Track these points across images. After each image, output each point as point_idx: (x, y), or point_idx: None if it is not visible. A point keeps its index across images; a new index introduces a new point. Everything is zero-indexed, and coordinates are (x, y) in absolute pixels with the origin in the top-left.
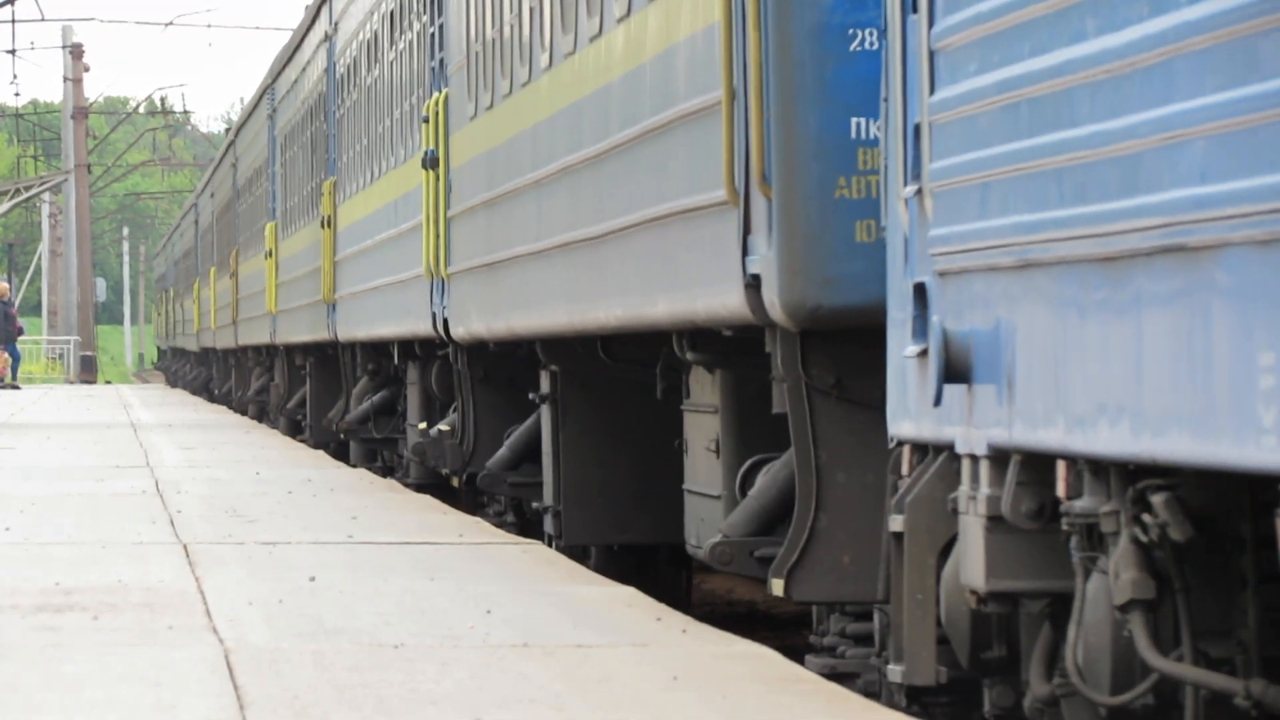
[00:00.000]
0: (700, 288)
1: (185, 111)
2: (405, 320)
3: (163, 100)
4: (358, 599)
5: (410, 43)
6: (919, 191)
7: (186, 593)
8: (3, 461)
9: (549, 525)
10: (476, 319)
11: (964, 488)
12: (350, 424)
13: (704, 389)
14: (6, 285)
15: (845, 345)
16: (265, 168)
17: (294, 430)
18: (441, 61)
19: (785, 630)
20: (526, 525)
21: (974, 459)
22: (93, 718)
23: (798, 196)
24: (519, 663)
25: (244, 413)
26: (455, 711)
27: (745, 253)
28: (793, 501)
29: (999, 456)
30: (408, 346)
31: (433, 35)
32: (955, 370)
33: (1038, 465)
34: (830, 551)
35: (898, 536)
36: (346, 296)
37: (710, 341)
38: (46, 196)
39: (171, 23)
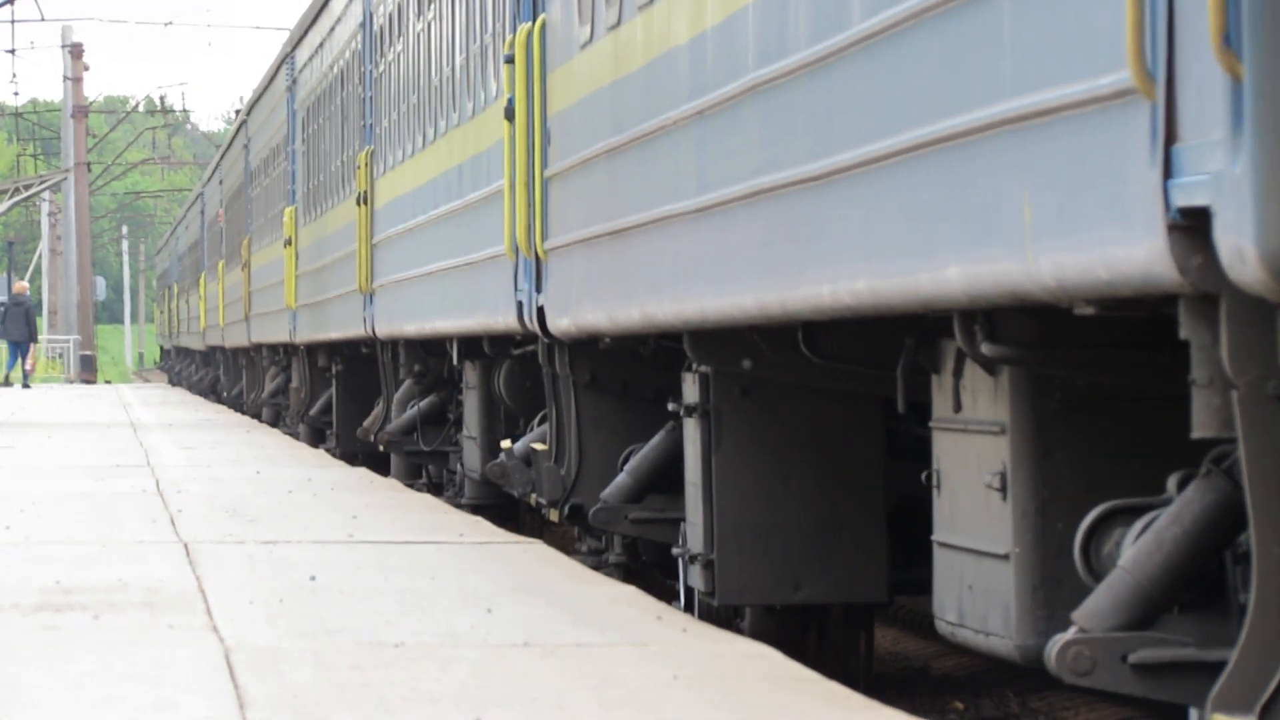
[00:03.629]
0: (1051, 238)
1: (185, 110)
2: (475, 311)
3: (162, 99)
4: (358, 598)
5: None
6: None
7: (187, 591)
8: (3, 460)
9: (695, 578)
10: (590, 306)
11: None
12: (392, 434)
13: (979, 399)
14: (26, 285)
15: None
16: (284, 146)
17: (317, 439)
18: None
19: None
20: (642, 571)
21: None
22: (93, 717)
23: None
24: (520, 662)
25: (258, 418)
26: (456, 710)
27: (1168, 174)
28: (1190, 580)
29: None
30: (471, 344)
31: None
32: None
33: None
34: None
35: None
36: (389, 285)
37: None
38: (46, 195)
39: (171, 22)
